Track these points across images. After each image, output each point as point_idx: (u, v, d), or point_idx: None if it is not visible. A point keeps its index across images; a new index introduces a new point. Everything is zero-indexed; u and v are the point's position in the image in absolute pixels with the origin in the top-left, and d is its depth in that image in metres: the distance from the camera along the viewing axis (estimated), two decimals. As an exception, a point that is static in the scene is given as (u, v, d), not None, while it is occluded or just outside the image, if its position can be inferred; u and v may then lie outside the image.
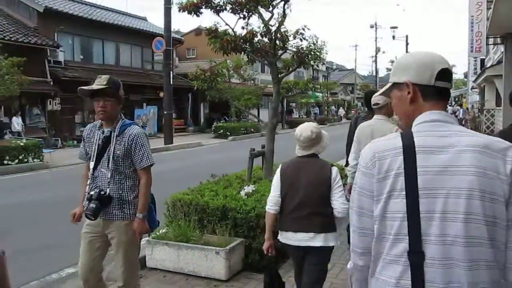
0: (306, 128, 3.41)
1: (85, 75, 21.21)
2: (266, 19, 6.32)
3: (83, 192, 3.47)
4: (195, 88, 24.14)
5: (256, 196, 5.24)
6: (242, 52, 6.38)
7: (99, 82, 3.27)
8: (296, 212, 3.29)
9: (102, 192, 3.26)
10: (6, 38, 18.18)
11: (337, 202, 3.25)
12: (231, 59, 21.85)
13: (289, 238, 3.34)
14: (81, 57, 24.26)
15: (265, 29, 6.14)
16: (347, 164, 6.43)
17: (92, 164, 3.36)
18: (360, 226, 1.55)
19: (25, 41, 19.57)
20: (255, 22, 6.87)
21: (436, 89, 1.53)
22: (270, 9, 6.35)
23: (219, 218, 4.95)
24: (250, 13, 6.11)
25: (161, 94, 23.01)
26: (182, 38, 32.15)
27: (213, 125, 28.53)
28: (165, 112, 20.86)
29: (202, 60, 31.04)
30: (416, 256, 1.40)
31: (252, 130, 28.30)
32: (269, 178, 6.37)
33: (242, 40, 6.06)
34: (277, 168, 3.65)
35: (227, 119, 30.85)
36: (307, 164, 3.39)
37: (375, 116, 4.84)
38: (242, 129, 27.48)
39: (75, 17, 23.29)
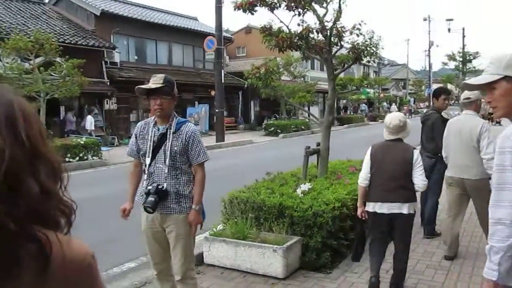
0: (395, 117, 4.10)
1: (139, 75, 21.85)
2: (321, 15, 6.24)
3: (132, 188, 3.62)
4: (245, 86, 24.14)
5: (313, 194, 5.19)
6: (297, 49, 6.32)
7: (155, 81, 3.37)
8: (384, 186, 3.99)
9: (160, 186, 3.35)
10: (66, 41, 18.97)
11: (418, 179, 3.96)
12: (281, 56, 21.80)
13: (377, 207, 4.03)
14: (136, 57, 24.97)
15: (320, 26, 6.05)
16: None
17: (148, 160, 3.45)
18: None
19: (83, 43, 20.38)
20: (309, 19, 6.78)
21: None
22: (324, 5, 6.26)
23: (275, 216, 4.94)
24: (305, 10, 6.04)
25: (212, 93, 23.31)
26: (232, 37, 32.38)
27: (263, 123, 28.59)
28: (216, 110, 21.12)
29: (252, 58, 31.24)
30: None
31: (303, 127, 28.13)
32: (324, 176, 6.30)
33: (297, 37, 6.01)
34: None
35: (277, 116, 30.83)
36: (394, 146, 4.08)
37: (464, 111, 5.22)
38: (292, 126, 27.38)
39: (129, 19, 24.02)
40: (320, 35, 6.24)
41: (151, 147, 3.45)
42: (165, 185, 3.37)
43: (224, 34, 25.67)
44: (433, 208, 6.02)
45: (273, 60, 22.01)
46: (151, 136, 3.46)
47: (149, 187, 3.37)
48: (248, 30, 35.81)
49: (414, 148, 4.13)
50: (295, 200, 5.01)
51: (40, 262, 0.87)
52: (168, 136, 3.42)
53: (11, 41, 14.15)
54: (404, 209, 3.95)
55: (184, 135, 3.42)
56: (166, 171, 3.39)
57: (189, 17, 31.78)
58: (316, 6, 6.22)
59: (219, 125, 21.12)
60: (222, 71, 21.46)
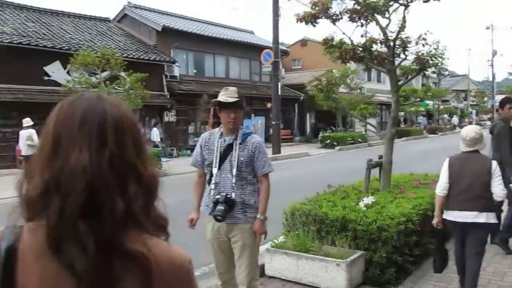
0: (471, 130, 4.26)
1: (198, 88, 22.38)
2: (383, 25, 6.15)
3: (197, 198, 3.68)
4: (301, 98, 24.14)
5: (377, 208, 5.08)
6: (360, 61, 6.26)
7: (230, 95, 3.42)
8: (462, 195, 4.10)
9: (229, 196, 3.40)
10: (130, 56, 19.76)
11: (497, 189, 4.05)
12: (338, 68, 21.60)
13: (455, 216, 4.14)
14: (195, 71, 25.56)
15: (384, 37, 5.96)
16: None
17: (215, 170, 3.51)
18: None
19: (145, 58, 21.15)
20: (372, 29, 6.71)
21: None
22: (387, 15, 6.17)
23: (338, 229, 4.87)
24: (368, 21, 5.98)
25: (269, 105, 23.44)
26: (288, 50, 32.50)
27: (319, 135, 28.36)
28: (273, 123, 21.20)
29: (308, 70, 31.17)
30: None
31: (360, 140, 27.64)
32: (386, 190, 6.15)
33: (361, 49, 5.96)
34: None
35: (333, 128, 30.52)
36: (471, 158, 4.20)
37: None
38: (349, 139, 26.97)
39: (189, 34, 24.68)
40: (383, 46, 6.14)
41: (218, 157, 3.52)
42: (233, 194, 3.42)
43: (280, 47, 25.86)
44: None
45: (330, 72, 21.91)
46: (217, 147, 3.53)
47: (217, 196, 3.42)
48: (303, 42, 35.85)
49: (492, 159, 4.30)
50: (358, 213, 4.92)
51: (143, 270, 0.90)
52: (234, 147, 3.48)
53: (80, 56, 14.94)
54: (481, 218, 4.04)
55: (250, 146, 3.48)
56: (234, 181, 3.44)
57: (246, 31, 32.21)
58: (379, 17, 6.14)
59: (275, 137, 21.16)
60: (279, 83, 21.53)
